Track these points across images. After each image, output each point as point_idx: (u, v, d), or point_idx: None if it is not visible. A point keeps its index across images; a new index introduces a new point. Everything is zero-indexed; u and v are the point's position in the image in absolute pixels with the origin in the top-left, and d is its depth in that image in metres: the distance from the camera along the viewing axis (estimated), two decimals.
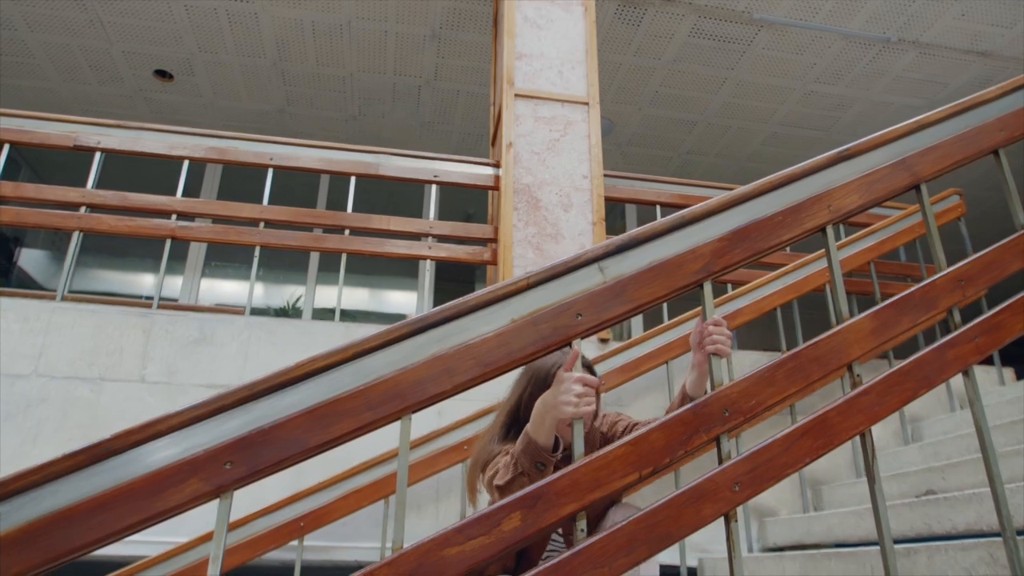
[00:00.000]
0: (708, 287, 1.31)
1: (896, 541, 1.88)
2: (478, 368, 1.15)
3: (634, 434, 1.15)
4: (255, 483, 2.64)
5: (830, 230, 1.42)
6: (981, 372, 3.38)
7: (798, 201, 1.41)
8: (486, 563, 1.05)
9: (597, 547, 1.07)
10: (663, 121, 5.88)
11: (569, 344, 1.21)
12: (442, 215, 5.65)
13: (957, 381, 3.23)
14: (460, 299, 1.18)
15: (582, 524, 1.10)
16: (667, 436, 1.16)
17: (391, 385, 1.11)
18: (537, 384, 1.66)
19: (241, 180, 5.87)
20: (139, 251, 6.32)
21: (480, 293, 1.19)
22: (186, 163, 3.15)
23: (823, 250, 3.21)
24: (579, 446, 1.16)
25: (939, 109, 1.56)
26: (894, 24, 4.74)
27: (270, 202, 3.23)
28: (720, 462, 1.18)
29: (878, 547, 1.77)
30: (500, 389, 2.76)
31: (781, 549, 2.57)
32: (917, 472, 2.34)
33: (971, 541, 1.47)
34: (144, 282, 6.51)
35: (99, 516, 0.97)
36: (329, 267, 6.23)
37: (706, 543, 2.71)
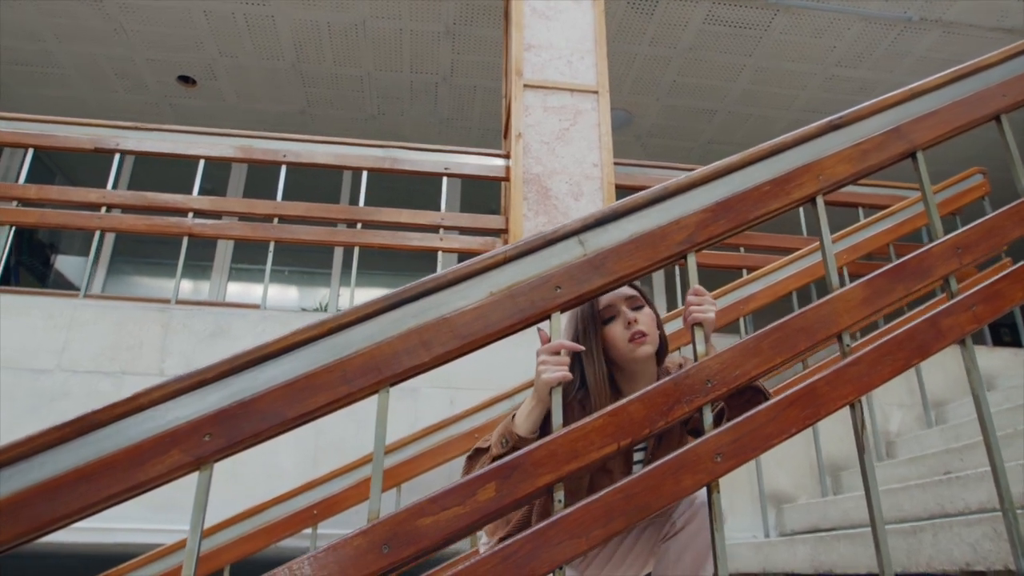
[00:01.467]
0: (692, 259, 1.30)
1: (909, 523, 1.84)
2: (455, 341, 1.15)
3: (613, 405, 1.15)
4: (274, 471, 2.66)
5: (820, 200, 1.39)
6: (1009, 354, 3.29)
7: (786, 171, 1.39)
8: (461, 533, 1.05)
9: (574, 517, 1.07)
10: (682, 111, 5.83)
11: (548, 317, 1.21)
12: (466, 211, 5.67)
13: (984, 362, 3.16)
14: (438, 273, 1.19)
15: (559, 495, 1.10)
16: (647, 407, 1.15)
17: (367, 358, 1.12)
18: (586, 320, 1.46)
19: (266, 181, 5.98)
20: (173, 256, 6.46)
21: (458, 267, 1.20)
22: (201, 163, 3.22)
23: (840, 232, 3.15)
24: (557, 417, 1.16)
25: (936, 75, 1.52)
26: (915, 2, 4.63)
27: (292, 200, 3.27)
28: (701, 433, 1.16)
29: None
30: (511, 378, 2.77)
31: (798, 535, 2.53)
32: (936, 454, 2.29)
33: (975, 517, 1.43)
34: (182, 287, 6.64)
35: (83, 487, 1.00)
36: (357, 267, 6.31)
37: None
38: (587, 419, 1.13)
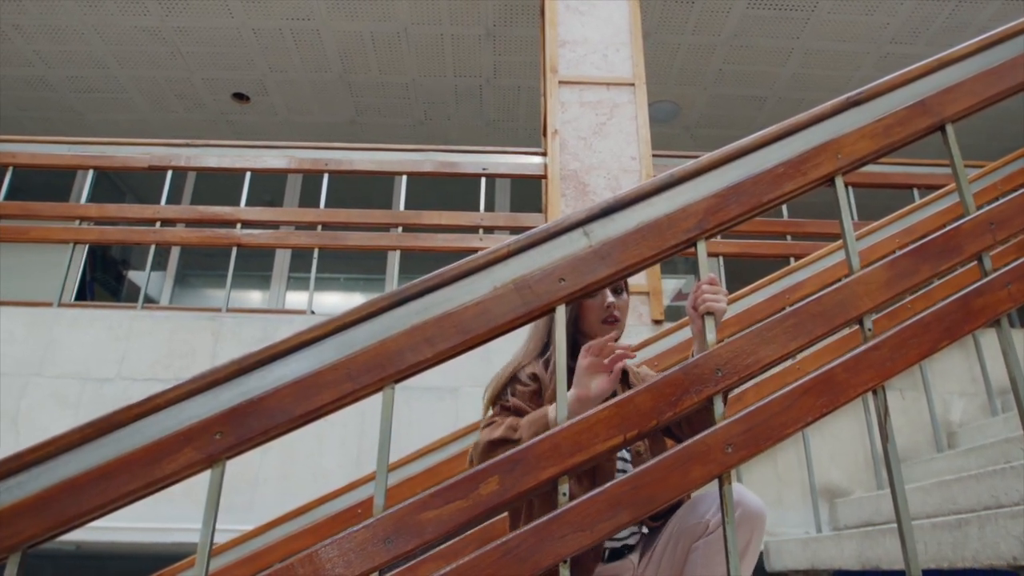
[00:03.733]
0: (702, 246, 1.27)
1: (958, 515, 1.75)
2: (459, 336, 1.16)
3: (619, 396, 1.13)
4: (320, 471, 2.73)
5: (839, 180, 1.34)
6: None
7: (801, 151, 1.34)
8: (464, 526, 1.06)
9: (579, 510, 1.06)
10: (731, 99, 5.69)
11: (552, 309, 1.20)
12: (518, 211, 5.67)
13: None
14: (442, 269, 1.20)
15: (564, 488, 1.09)
16: (654, 398, 1.13)
17: (372, 356, 1.13)
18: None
19: (319, 189, 6.14)
20: (240, 268, 6.70)
21: (461, 263, 1.20)
22: (248, 175, 3.33)
23: (890, 216, 3.02)
24: (562, 411, 1.15)
25: (963, 44, 1.44)
26: None
27: (345, 207, 3.35)
28: (711, 423, 1.14)
29: (930, 520, 1.66)
30: None
31: (849, 529, 2.43)
32: (995, 444, 2.17)
33: (1020, 508, 1.35)
34: (249, 298, 6.89)
35: (103, 484, 1.05)
36: (409, 270, 6.41)
37: (772, 526, 2.60)
38: (592, 411, 1.12)
